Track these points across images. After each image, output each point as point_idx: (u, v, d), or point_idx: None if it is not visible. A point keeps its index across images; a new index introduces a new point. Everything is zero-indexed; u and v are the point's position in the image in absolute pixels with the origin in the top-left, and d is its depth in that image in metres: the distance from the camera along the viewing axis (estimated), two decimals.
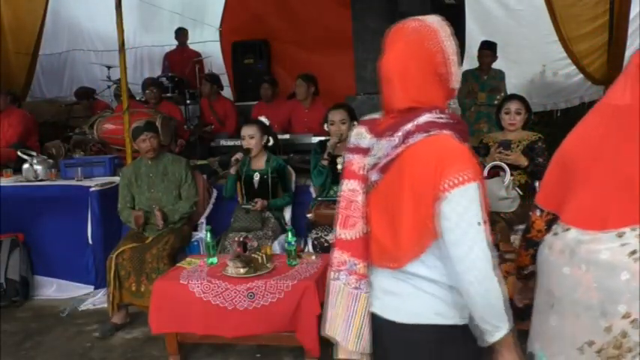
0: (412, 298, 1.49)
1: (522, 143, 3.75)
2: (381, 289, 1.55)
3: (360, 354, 1.59)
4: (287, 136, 5.12)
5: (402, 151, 1.44)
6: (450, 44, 1.48)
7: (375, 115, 1.61)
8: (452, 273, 1.42)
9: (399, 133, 1.45)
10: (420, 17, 1.52)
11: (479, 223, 1.38)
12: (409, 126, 1.44)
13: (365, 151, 1.54)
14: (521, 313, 3.17)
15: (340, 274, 1.57)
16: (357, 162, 1.55)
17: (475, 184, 1.38)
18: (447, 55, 1.48)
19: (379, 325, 1.55)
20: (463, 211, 1.38)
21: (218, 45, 8.29)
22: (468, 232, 1.38)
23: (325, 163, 3.96)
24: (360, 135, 1.57)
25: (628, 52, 6.83)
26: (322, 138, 4.33)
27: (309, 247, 3.84)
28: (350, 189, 1.56)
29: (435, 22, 1.50)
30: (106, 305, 3.93)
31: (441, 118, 1.45)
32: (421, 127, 1.43)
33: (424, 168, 1.41)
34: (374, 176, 1.52)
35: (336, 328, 1.59)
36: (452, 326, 1.48)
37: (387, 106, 1.54)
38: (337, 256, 1.58)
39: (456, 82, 1.52)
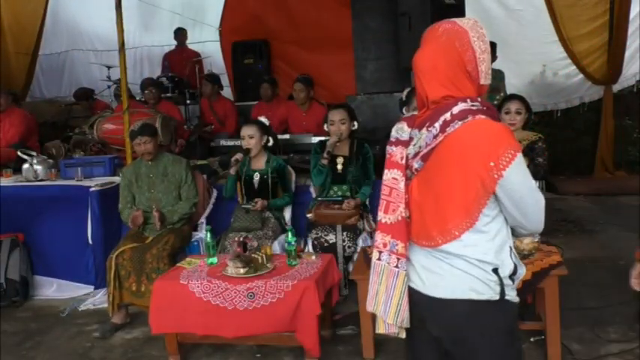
0: (448, 275, 1.63)
1: (522, 143, 3.75)
2: (420, 266, 1.70)
3: (398, 327, 1.74)
4: (287, 136, 5.12)
5: (443, 139, 1.58)
6: (480, 44, 1.61)
7: (414, 112, 1.76)
8: (518, 222, 1.62)
9: (438, 123, 1.59)
10: (454, 19, 1.66)
11: (534, 184, 1.61)
12: (446, 115, 1.58)
13: (405, 143, 1.70)
14: (522, 313, 3.18)
15: (383, 254, 1.72)
16: (398, 153, 1.70)
17: (520, 154, 1.56)
18: (476, 54, 1.61)
19: (419, 300, 1.69)
20: (522, 180, 1.57)
21: (218, 45, 8.30)
22: (530, 192, 1.59)
23: (325, 162, 3.96)
24: (400, 129, 1.72)
25: (628, 52, 6.85)
26: (322, 138, 4.33)
27: (309, 247, 3.84)
28: (392, 177, 1.70)
29: (467, 23, 1.63)
30: (106, 305, 3.93)
31: (474, 105, 1.59)
32: (457, 116, 1.57)
33: (471, 152, 1.55)
34: (416, 164, 1.66)
35: (377, 304, 1.74)
36: (485, 301, 1.61)
37: (421, 100, 1.69)
38: (380, 238, 1.73)
39: (485, 79, 1.65)
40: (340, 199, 3.97)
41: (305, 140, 4.99)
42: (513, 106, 3.74)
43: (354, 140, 4.12)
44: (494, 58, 5.68)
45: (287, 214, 4.24)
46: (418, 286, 1.69)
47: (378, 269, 1.74)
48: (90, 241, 4.36)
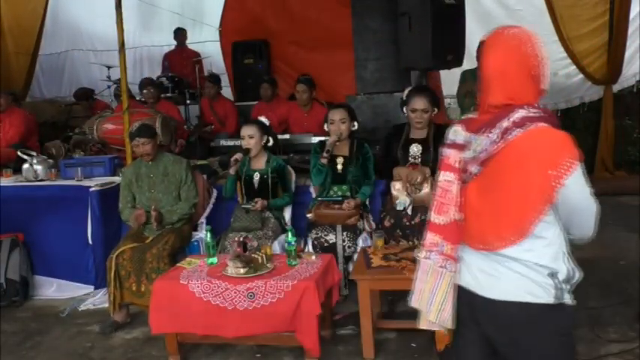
0: (505, 277, 1.65)
1: None
2: (476, 267, 1.72)
3: (439, 326, 1.79)
4: (287, 136, 5.12)
5: (502, 146, 1.60)
6: (543, 49, 1.65)
7: (471, 115, 1.79)
8: (569, 228, 1.66)
9: (497, 130, 1.61)
10: (516, 25, 1.72)
11: (590, 192, 1.63)
12: (505, 123, 1.61)
13: (461, 147, 1.73)
14: None
15: (432, 254, 1.77)
16: (453, 156, 1.74)
17: (580, 164, 1.57)
18: (540, 59, 1.65)
19: (473, 301, 1.72)
20: (581, 190, 1.60)
21: (218, 45, 8.30)
22: (584, 202, 1.62)
23: (324, 161, 3.96)
24: (457, 132, 1.75)
25: (628, 52, 6.85)
26: (322, 138, 4.33)
27: (309, 247, 3.84)
28: (446, 180, 1.75)
29: (529, 29, 1.68)
30: (106, 305, 3.93)
31: (534, 112, 1.60)
32: (517, 124, 1.59)
33: (531, 160, 1.57)
34: (474, 169, 1.68)
35: (422, 300, 1.79)
36: (542, 305, 1.62)
37: (483, 103, 1.71)
38: (430, 237, 1.78)
39: (546, 84, 1.67)
40: (340, 199, 3.97)
41: (305, 140, 4.99)
42: None
43: (354, 140, 4.12)
44: None
45: (287, 214, 4.23)
46: (473, 287, 1.72)
47: (425, 268, 1.78)
48: (90, 241, 4.36)
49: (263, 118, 4.28)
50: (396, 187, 3.77)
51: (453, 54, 4.61)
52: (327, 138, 4.09)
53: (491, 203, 1.65)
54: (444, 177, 1.75)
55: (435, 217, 1.77)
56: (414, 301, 1.82)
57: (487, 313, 1.70)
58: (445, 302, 1.75)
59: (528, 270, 1.62)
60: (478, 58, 1.75)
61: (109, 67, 7.10)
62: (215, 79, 6.50)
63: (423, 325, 1.83)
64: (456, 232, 1.73)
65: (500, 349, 1.72)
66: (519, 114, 1.59)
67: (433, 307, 1.76)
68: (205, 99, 6.58)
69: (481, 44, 1.73)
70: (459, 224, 1.73)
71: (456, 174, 1.73)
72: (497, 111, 1.64)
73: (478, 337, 1.75)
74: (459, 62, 4.80)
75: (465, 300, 1.74)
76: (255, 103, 6.36)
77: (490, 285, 1.68)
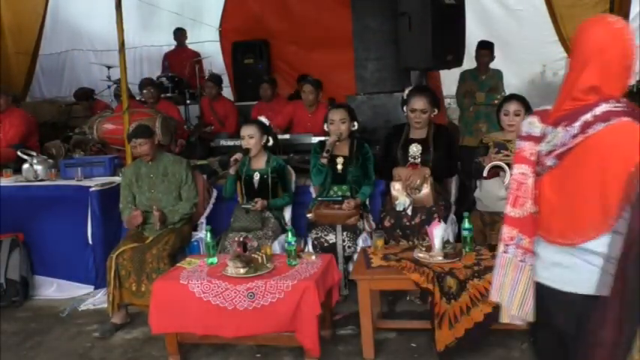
0: (583, 270, 1.64)
1: None
2: (551, 262, 1.71)
3: (521, 320, 1.78)
4: (287, 136, 5.12)
5: (583, 140, 1.57)
6: (635, 42, 1.61)
7: (546, 107, 1.76)
8: None
9: (577, 124, 1.58)
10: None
11: None
12: (587, 116, 1.57)
13: (536, 139, 1.70)
14: None
15: (509, 247, 1.76)
16: (528, 149, 1.72)
17: None
18: (634, 53, 1.62)
19: (548, 294, 1.72)
20: None
21: (217, 45, 8.31)
22: None
23: (324, 161, 3.96)
24: (532, 124, 1.73)
25: None
26: (322, 138, 4.33)
27: (309, 247, 3.84)
28: (521, 172, 1.73)
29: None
30: (106, 305, 3.93)
31: (618, 106, 1.57)
32: (600, 118, 1.56)
33: (613, 156, 1.54)
34: (549, 162, 1.67)
35: (503, 295, 1.78)
36: None
37: (567, 89, 1.66)
38: (507, 231, 1.77)
39: (632, 78, 1.67)
40: (340, 199, 3.97)
41: (305, 140, 4.98)
42: (512, 107, 3.73)
43: (354, 140, 4.12)
44: (491, 57, 5.69)
45: (287, 214, 4.23)
46: (549, 281, 1.71)
47: (504, 262, 1.77)
48: (90, 241, 4.36)
49: (263, 118, 4.28)
50: (396, 188, 3.77)
51: (452, 54, 4.62)
52: (326, 138, 4.10)
53: (570, 197, 1.63)
54: (519, 170, 1.73)
55: (510, 211, 1.75)
56: (495, 296, 1.81)
57: (562, 306, 1.68)
58: (526, 295, 1.74)
59: (608, 264, 1.60)
60: (572, 45, 1.71)
61: (109, 67, 7.10)
62: (216, 79, 6.50)
63: (505, 319, 1.81)
64: (533, 225, 1.72)
65: (571, 341, 1.70)
66: (602, 108, 1.56)
67: (514, 301, 1.75)
68: (205, 99, 6.58)
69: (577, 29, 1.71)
70: (535, 217, 1.71)
71: (531, 167, 1.71)
72: (581, 99, 1.60)
73: (554, 332, 1.75)
74: (458, 62, 4.80)
75: (539, 294, 1.73)
76: (255, 103, 6.37)
77: (566, 278, 1.67)
